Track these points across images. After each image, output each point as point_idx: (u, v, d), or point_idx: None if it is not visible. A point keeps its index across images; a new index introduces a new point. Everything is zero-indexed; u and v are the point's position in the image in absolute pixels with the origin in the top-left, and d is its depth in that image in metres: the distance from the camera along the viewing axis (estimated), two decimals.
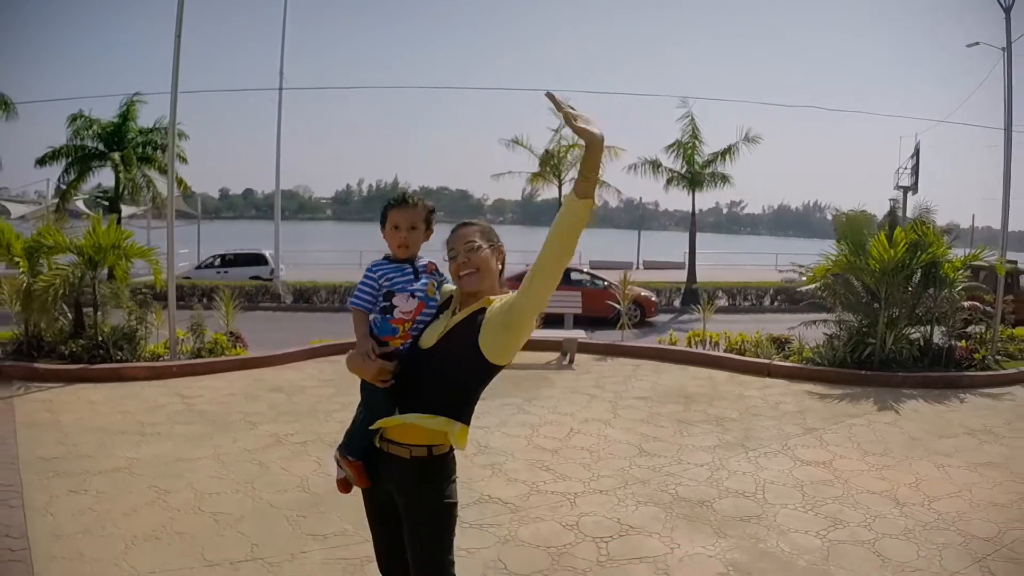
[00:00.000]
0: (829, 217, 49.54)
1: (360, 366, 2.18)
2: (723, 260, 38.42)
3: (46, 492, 4.53)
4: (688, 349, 9.88)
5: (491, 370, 2.18)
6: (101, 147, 21.49)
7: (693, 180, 21.32)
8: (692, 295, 19.85)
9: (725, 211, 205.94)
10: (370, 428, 2.21)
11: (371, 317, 2.28)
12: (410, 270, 2.31)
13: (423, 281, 2.30)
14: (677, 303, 20.49)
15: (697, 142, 21.19)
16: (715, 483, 5.00)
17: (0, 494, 4.47)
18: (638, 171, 22.01)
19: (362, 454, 2.25)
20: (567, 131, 20.74)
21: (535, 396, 7.41)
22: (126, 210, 22.97)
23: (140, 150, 21.40)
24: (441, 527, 2.22)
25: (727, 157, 21.21)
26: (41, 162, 21.72)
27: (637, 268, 35.23)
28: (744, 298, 21.59)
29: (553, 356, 9.67)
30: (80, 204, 23.80)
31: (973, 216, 49.29)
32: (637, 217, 52.11)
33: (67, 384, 7.50)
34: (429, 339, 2.23)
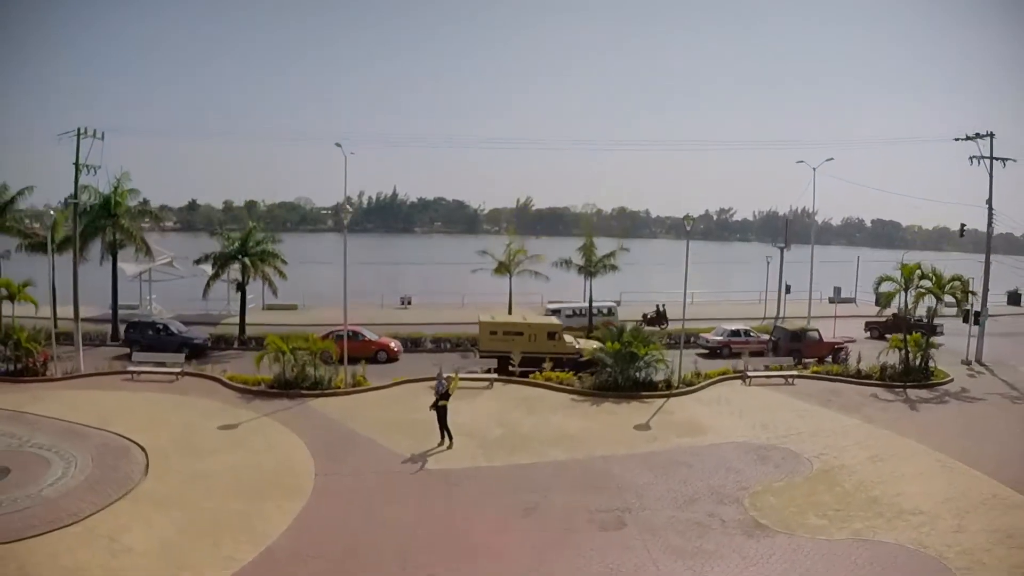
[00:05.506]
0: (819, 222, 59.11)
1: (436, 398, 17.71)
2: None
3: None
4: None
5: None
6: (234, 252, 35.93)
7: None
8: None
9: (715, 217, 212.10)
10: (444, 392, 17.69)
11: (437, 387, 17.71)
12: (444, 382, 17.76)
13: (444, 385, 17.61)
14: None
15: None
16: (513, 426, 19.75)
17: (340, 416, 19.20)
18: None
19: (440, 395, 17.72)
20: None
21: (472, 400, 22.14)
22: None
23: (259, 255, 35.76)
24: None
25: None
26: (197, 262, 36.37)
27: None
28: None
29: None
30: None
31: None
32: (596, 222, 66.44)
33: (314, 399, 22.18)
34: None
